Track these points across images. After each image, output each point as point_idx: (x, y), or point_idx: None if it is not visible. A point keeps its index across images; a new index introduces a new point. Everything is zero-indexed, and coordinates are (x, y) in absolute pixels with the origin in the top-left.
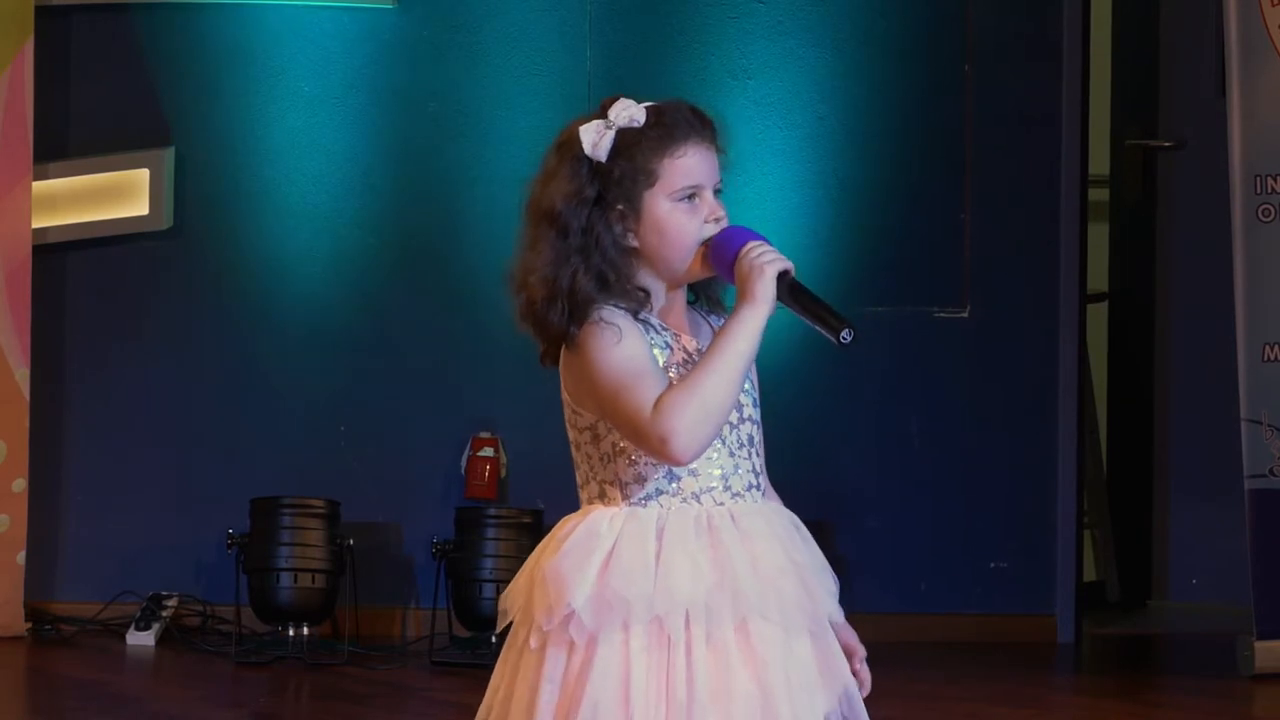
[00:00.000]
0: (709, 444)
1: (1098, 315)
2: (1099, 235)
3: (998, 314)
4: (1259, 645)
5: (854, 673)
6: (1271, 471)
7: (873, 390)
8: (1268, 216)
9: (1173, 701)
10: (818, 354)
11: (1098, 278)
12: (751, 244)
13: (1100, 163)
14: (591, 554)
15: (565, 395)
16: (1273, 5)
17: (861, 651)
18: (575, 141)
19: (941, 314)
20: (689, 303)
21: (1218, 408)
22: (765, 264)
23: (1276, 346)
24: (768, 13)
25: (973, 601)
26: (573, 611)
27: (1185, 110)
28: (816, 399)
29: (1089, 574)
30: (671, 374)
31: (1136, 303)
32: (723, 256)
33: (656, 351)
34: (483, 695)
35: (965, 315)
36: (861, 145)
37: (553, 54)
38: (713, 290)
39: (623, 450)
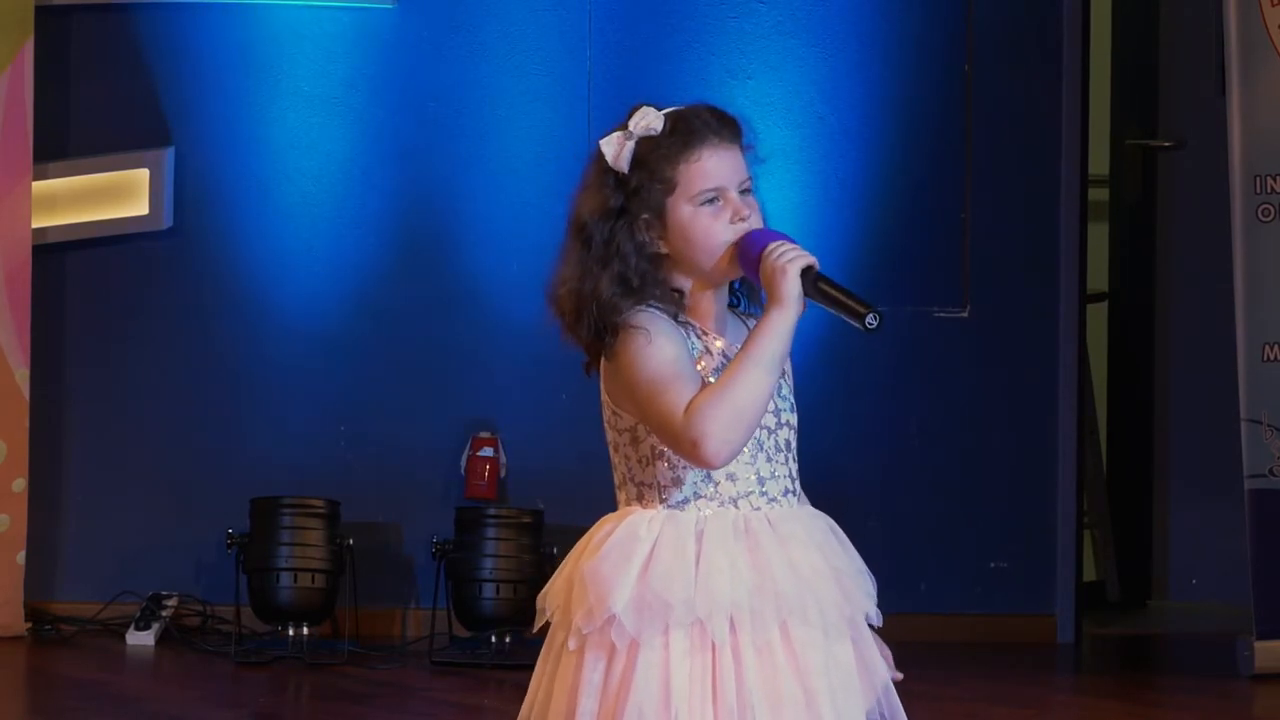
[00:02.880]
0: (741, 447)
1: (1098, 315)
2: (1099, 235)
3: (998, 314)
4: (1259, 645)
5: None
6: (1271, 471)
7: (873, 390)
8: (1268, 216)
9: (1173, 701)
10: (818, 354)
11: (1098, 278)
12: (773, 245)
13: (1100, 163)
14: (631, 556)
15: (605, 397)
16: (1273, 5)
17: (887, 656)
18: (602, 154)
19: (941, 314)
20: (730, 305)
21: (1218, 408)
22: (787, 263)
23: (1276, 346)
24: (768, 13)
25: (973, 601)
26: (614, 615)
27: (1185, 110)
28: (816, 399)
29: (1089, 574)
30: (709, 377)
31: (1136, 303)
32: (748, 259)
33: (698, 356)
34: (483, 695)
35: (965, 315)
36: (861, 145)
37: (553, 54)
38: (755, 291)
39: (662, 453)
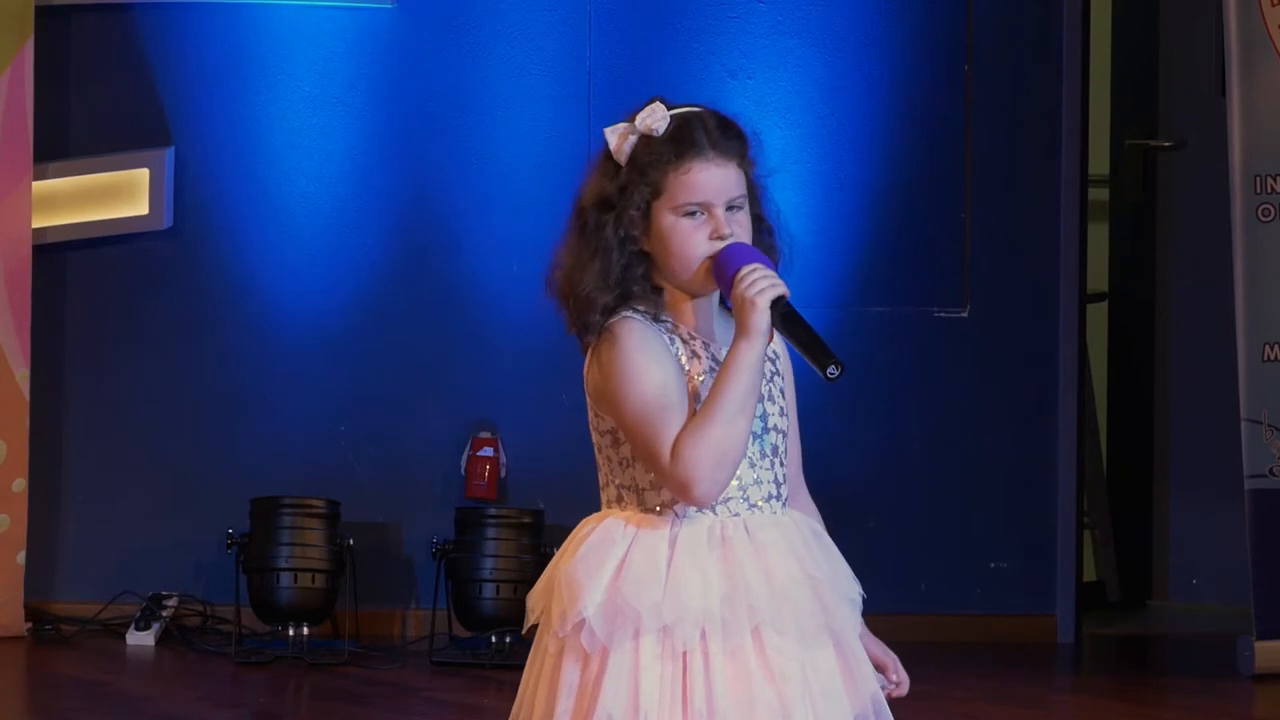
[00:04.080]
0: (729, 481)
1: (1098, 315)
2: (1099, 235)
3: (998, 314)
4: (1259, 645)
5: (895, 682)
6: (1271, 471)
7: (873, 390)
8: (1268, 216)
9: (1173, 701)
10: None
11: (1098, 278)
12: (744, 271)
13: (1100, 162)
14: (605, 560)
15: (588, 398)
16: (1273, 5)
17: (892, 660)
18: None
19: (941, 314)
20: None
21: (1218, 408)
22: (756, 295)
23: (1276, 346)
24: (768, 13)
25: (973, 601)
26: (584, 620)
27: (1185, 110)
28: (816, 399)
29: (1089, 574)
30: (702, 377)
31: (1136, 303)
32: (723, 277)
33: (683, 358)
34: (483, 695)
35: (965, 315)
36: (861, 145)
37: (553, 54)
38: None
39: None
